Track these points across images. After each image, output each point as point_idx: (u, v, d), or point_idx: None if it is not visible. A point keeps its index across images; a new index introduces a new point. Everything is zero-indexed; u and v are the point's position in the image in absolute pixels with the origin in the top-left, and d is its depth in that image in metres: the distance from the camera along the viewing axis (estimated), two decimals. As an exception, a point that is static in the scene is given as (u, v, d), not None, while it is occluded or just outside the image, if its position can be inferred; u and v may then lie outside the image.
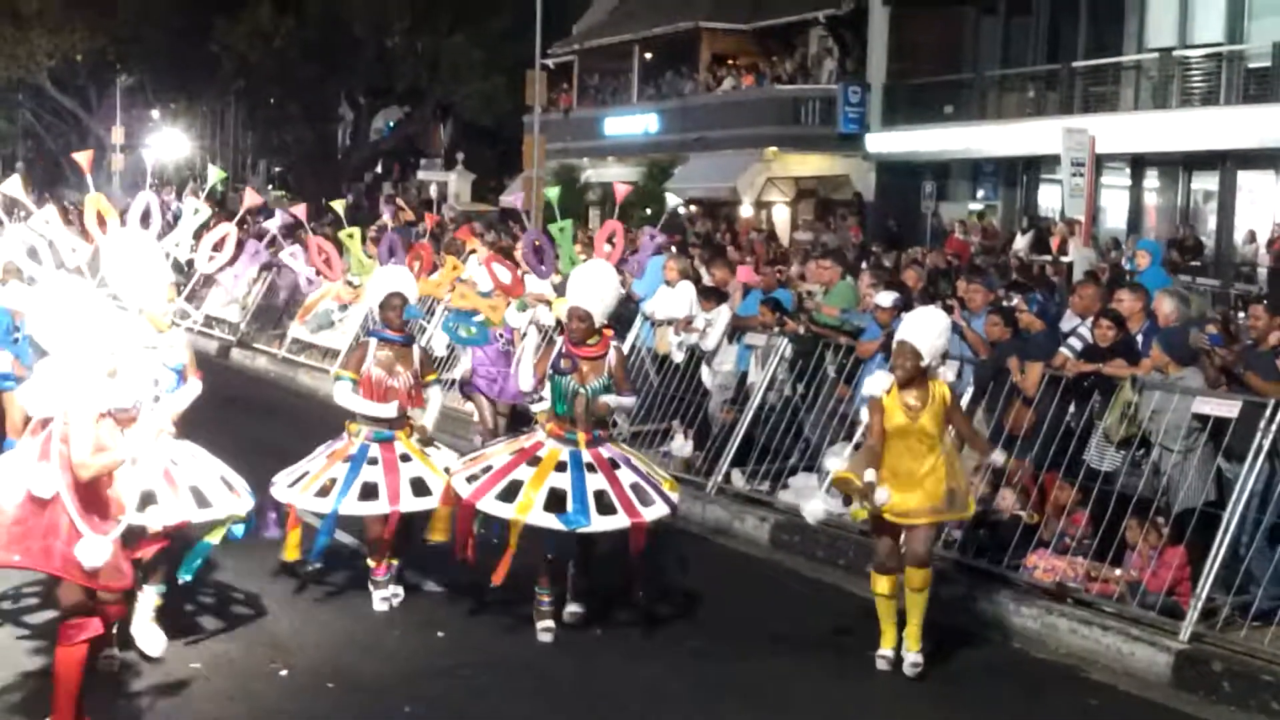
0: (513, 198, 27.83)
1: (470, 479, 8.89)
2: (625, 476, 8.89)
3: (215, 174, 11.88)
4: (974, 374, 11.24)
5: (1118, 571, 9.50)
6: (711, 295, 13.91)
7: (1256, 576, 9.06)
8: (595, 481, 8.74)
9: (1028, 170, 32.28)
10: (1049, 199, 30.82)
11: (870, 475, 8.38)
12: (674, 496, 9.09)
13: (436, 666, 8.30)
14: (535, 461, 8.86)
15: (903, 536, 8.61)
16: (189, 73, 46.25)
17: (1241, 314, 12.35)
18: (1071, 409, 10.38)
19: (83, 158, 8.94)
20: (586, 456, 8.85)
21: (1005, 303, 12.43)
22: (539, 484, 8.69)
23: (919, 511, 8.51)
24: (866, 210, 34.41)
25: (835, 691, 8.29)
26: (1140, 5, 29.60)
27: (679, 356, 13.71)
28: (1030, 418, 10.47)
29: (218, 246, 9.54)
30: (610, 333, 9.20)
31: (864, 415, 8.87)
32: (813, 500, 9.22)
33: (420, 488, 9.23)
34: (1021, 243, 27.05)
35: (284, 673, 7.94)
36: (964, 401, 11.01)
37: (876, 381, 8.65)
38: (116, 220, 8.33)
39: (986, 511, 10.36)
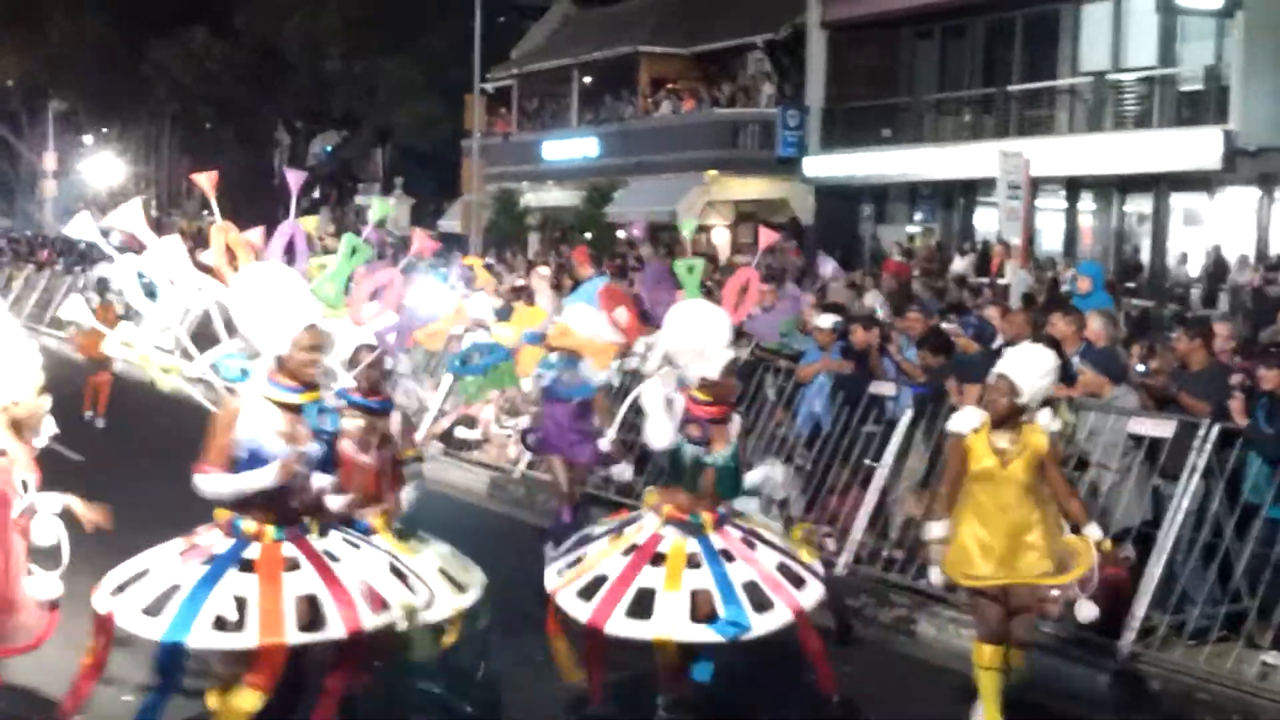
0: (451, 222, 27.68)
1: (584, 594, 7.18)
2: (767, 557, 7.34)
3: (379, 206, 10.05)
4: (913, 396, 11.27)
5: (1056, 591, 9.51)
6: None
7: (1192, 596, 9.12)
8: (739, 572, 7.16)
9: (965, 193, 32.46)
10: (986, 222, 31.00)
11: (935, 529, 7.75)
12: (819, 567, 7.57)
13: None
14: (659, 560, 7.20)
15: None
16: (122, 97, 45.94)
17: (1171, 335, 12.45)
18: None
19: (205, 179, 7.49)
20: (719, 542, 7.28)
21: (945, 323, 12.49)
22: (675, 587, 7.05)
23: (1017, 581, 7.59)
24: (805, 234, 34.53)
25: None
26: (1074, 29, 29.87)
27: (617, 381, 13.66)
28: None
29: (377, 294, 7.58)
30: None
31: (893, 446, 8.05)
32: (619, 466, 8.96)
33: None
34: (960, 265, 27.19)
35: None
36: (902, 424, 11.05)
37: (965, 417, 7.73)
38: (248, 253, 6.84)
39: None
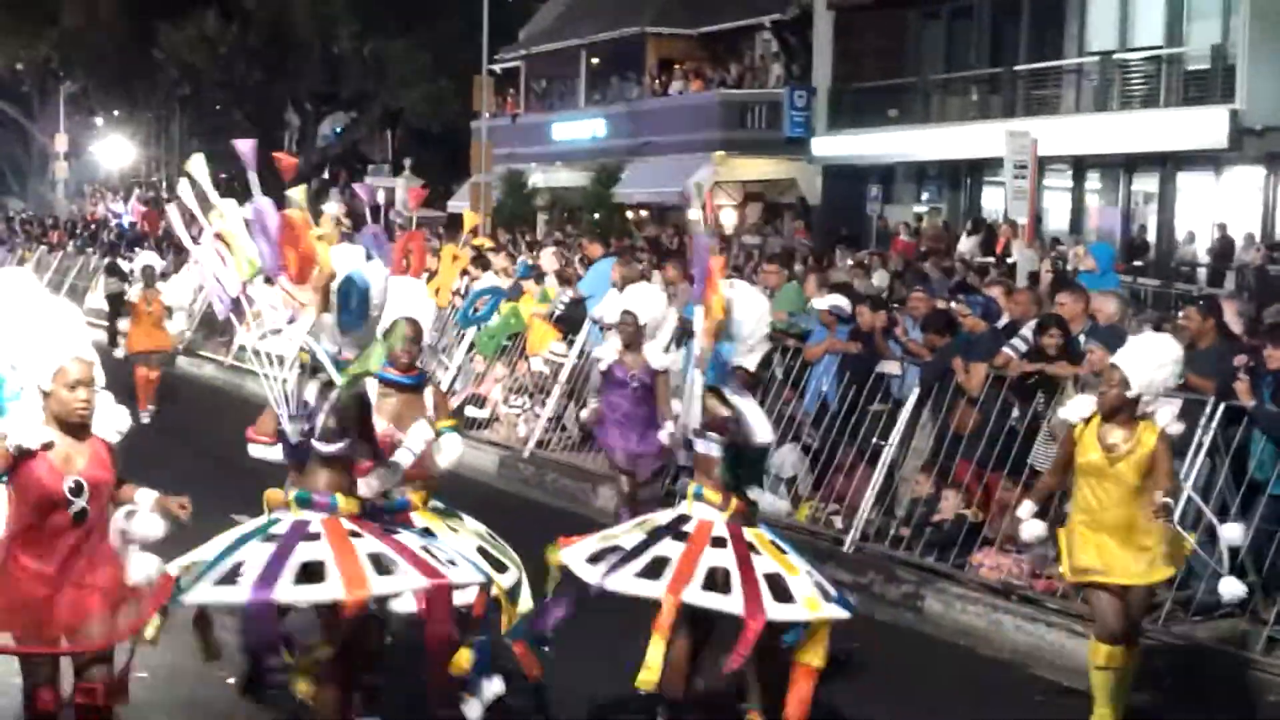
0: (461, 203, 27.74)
1: (643, 575, 6.65)
2: (765, 563, 6.81)
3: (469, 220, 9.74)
4: (919, 375, 11.36)
5: (1062, 568, 9.61)
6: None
7: (1197, 571, 9.20)
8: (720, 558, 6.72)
9: (971, 173, 32.50)
10: (993, 201, 31.05)
11: (1026, 510, 7.48)
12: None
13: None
14: (720, 543, 6.76)
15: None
16: (133, 80, 46.01)
17: (1179, 314, 12.52)
18: (1015, 409, 10.51)
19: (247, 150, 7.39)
20: (722, 530, 6.86)
21: (953, 303, 12.57)
22: (794, 570, 6.70)
23: (1125, 572, 7.31)
24: (811, 214, 34.58)
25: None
26: (1080, 8, 29.86)
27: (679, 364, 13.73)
28: (975, 418, 10.59)
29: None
30: None
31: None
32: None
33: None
34: (967, 245, 27.24)
35: (231, 680, 7.78)
36: (909, 403, 11.14)
37: (1075, 405, 7.45)
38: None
39: (931, 510, 10.49)
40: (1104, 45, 29.11)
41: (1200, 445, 9.25)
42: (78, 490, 5.75)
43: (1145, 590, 7.42)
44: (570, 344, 14.75)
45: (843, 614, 6.65)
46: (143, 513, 5.93)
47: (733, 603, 6.42)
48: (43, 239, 35.28)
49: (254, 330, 6.24)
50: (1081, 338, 10.74)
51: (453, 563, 6.30)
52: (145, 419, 15.70)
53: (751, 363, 7.03)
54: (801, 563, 6.80)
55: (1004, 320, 11.73)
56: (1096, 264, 15.22)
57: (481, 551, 7.20)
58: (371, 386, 6.99)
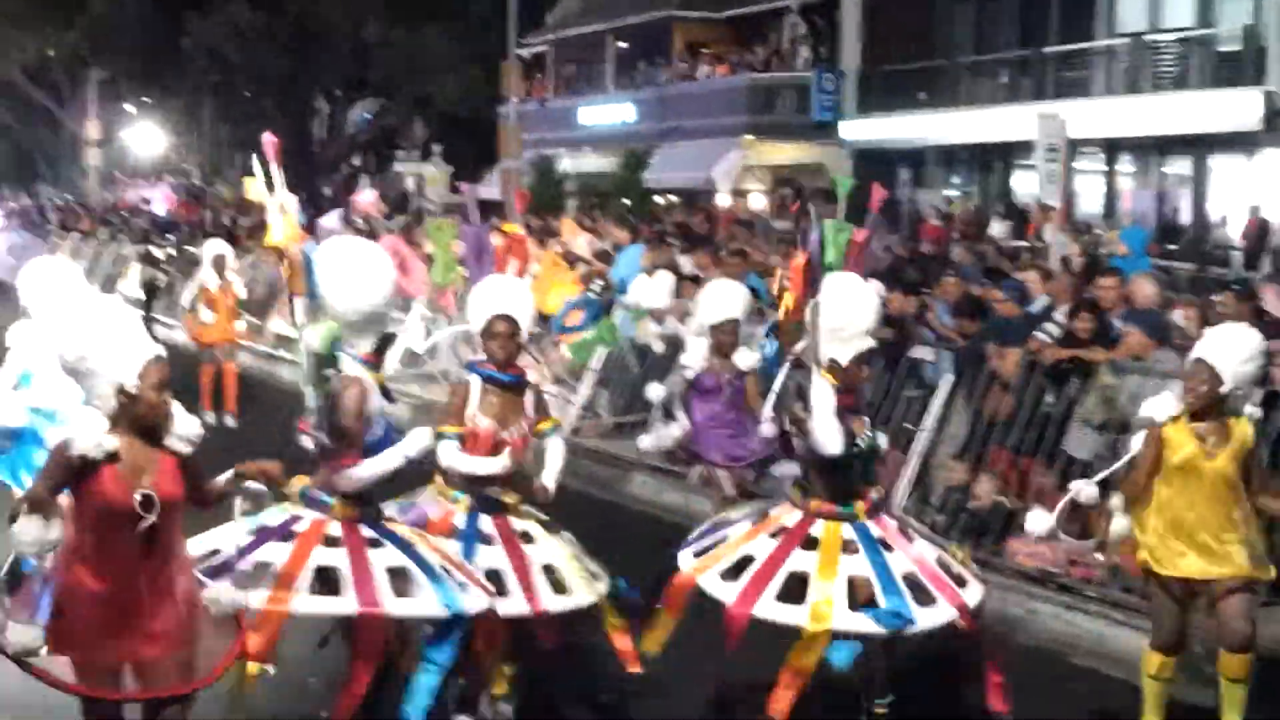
0: (491, 189, 27.76)
1: (729, 575, 6.77)
2: (925, 550, 6.90)
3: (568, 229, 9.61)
4: (953, 360, 11.33)
5: (1099, 556, 9.58)
6: (691, 283, 13.96)
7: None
8: (898, 562, 6.69)
9: (1002, 156, 32.37)
10: (1024, 185, 30.91)
11: (1116, 503, 7.12)
12: (976, 571, 7.09)
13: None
14: (811, 544, 6.76)
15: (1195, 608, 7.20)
16: (162, 68, 46.04)
17: (1215, 298, 12.46)
18: (1050, 395, 10.48)
19: (269, 144, 7.01)
20: (875, 530, 6.81)
21: (982, 287, 12.54)
22: (831, 573, 6.59)
23: (1223, 574, 6.94)
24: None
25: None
26: (1111, -10, 29.73)
27: (659, 346, 13.74)
28: (1009, 403, 10.57)
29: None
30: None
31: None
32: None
33: (557, 582, 6.95)
34: (998, 229, 27.13)
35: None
36: (943, 389, 11.11)
37: (1160, 403, 7.07)
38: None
39: (966, 497, 10.46)
40: (1135, 27, 28.95)
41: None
42: (148, 504, 5.25)
43: (1237, 587, 6.95)
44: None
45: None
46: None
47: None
48: (75, 226, 35.40)
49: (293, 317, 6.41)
50: (1117, 322, 10.71)
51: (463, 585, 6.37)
52: (231, 423, 15.56)
53: (844, 355, 6.88)
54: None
55: (1040, 305, 11.70)
56: (1129, 249, 15.17)
57: (575, 559, 7.17)
58: (475, 384, 7.15)
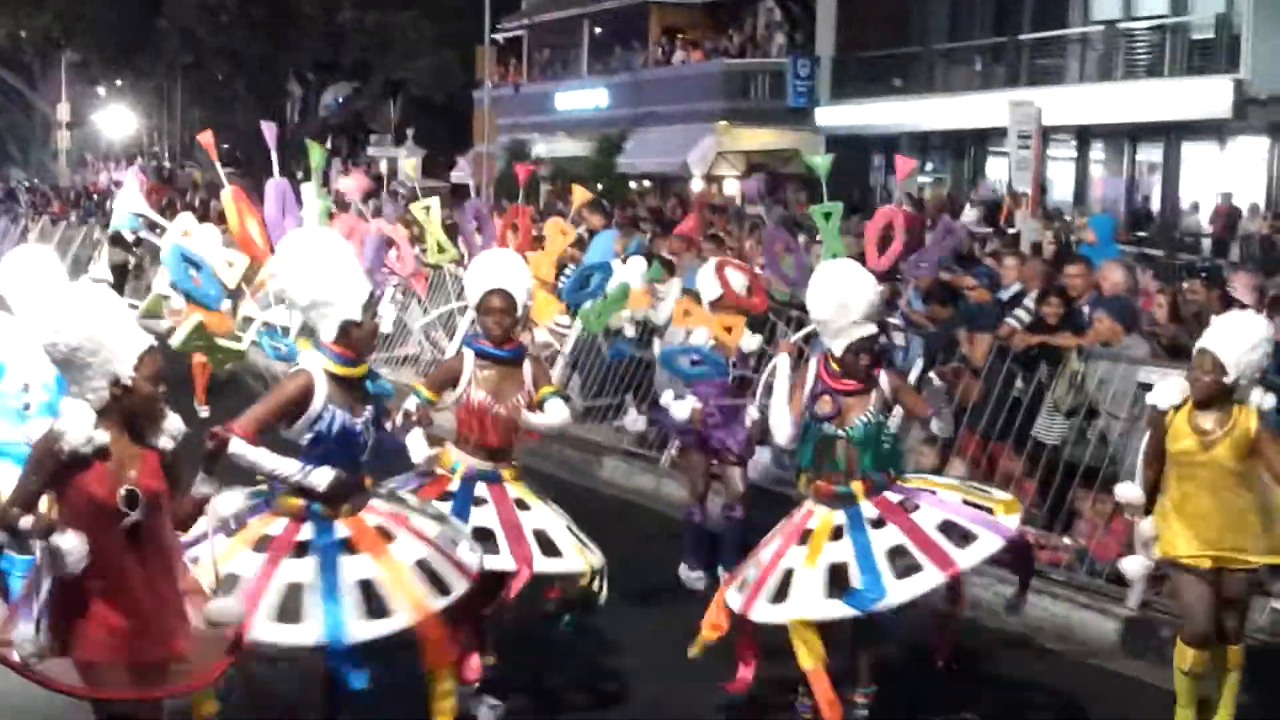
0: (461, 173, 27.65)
1: (741, 586, 6.82)
2: (929, 516, 6.73)
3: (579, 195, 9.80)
4: (923, 346, 11.35)
5: (1066, 540, 9.63)
6: (663, 268, 13.94)
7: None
8: (886, 537, 6.63)
9: (975, 143, 32.46)
10: (997, 171, 31.01)
11: (1148, 527, 6.96)
12: (1009, 521, 6.81)
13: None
14: (806, 537, 6.77)
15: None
16: (135, 49, 45.84)
17: (1184, 285, 12.51)
18: (1019, 380, 10.51)
19: (207, 138, 7.56)
20: (871, 511, 6.74)
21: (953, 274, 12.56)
22: (813, 563, 6.62)
23: (1218, 555, 6.86)
24: (815, 184, 34.55)
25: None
26: (1085, -22, 29.81)
27: (630, 331, 13.72)
28: (979, 389, 10.59)
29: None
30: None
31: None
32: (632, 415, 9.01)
33: (548, 544, 6.92)
34: (970, 215, 27.22)
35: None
36: (912, 375, 11.14)
37: (1166, 389, 6.99)
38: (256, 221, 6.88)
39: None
40: (1108, 14, 29.04)
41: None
42: (131, 501, 5.02)
43: (1245, 575, 6.93)
44: (574, 315, 14.69)
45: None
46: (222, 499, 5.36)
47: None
48: (46, 209, 35.23)
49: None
50: (1086, 308, 10.75)
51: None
52: (204, 413, 14.28)
53: (838, 347, 6.77)
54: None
55: (1010, 291, 11.73)
56: (1096, 236, 15.22)
57: (570, 530, 7.13)
58: (469, 358, 7.11)
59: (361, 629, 5.78)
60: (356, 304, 5.92)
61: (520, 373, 7.15)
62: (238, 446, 5.78)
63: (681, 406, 9.13)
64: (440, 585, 6.00)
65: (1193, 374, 6.88)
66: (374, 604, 5.84)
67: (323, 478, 5.92)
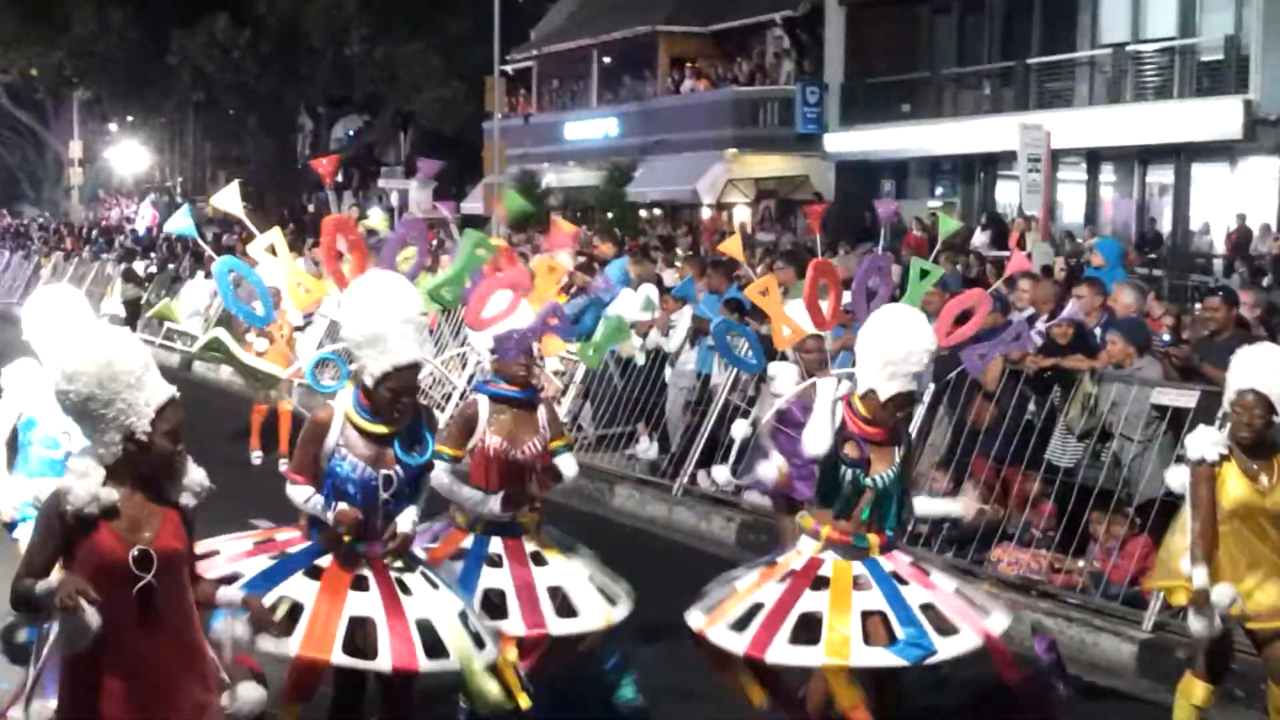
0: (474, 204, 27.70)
1: (738, 626, 6.43)
2: (944, 582, 6.60)
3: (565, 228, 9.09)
4: (935, 370, 11.32)
5: (1081, 563, 9.60)
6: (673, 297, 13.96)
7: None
8: (914, 594, 6.37)
9: (985, 167, 32.46)
10: (1007, 195, 31.01)
11: (1201, 576, 6.46)
12: (1003, 603, 6.81)
13: None
14: (821, 584, 6.42)
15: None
16: (146, 86, 46.06)
17: (1198, 305, 12.49)
18: (1031, 403, 10.49)
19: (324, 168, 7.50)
20: (887, 565, 6.48)
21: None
22: (844, 609, 6.27)
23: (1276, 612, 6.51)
24: (827, 210, 34.56)
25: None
26: (1093, 1, 29.83)
27: (641, 359, 13.75)
28: (992, 412, 10.57)
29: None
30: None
31: (1173, 481, 6.85)
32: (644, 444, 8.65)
33: (564, 604, 6.76)
34: (981, 239, 27.21)
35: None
36: (925, 399, 11.12)
37: (1205, 443, 6.59)
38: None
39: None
40: (1117, 37, 29.07)
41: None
42: (144, 562, 4.67)
43: None
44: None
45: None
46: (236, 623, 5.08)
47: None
48: (59, 245, 35.39)
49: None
50: (1097, 330, 10.73)
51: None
52: (257, 459, 14.56)
53: (883, 393, 6.40)
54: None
55: (1024, 315, 11.72)
56: (1105, 260, 15.20)
57: (592, 581, 6.99)
58: (484, 403, 6.94)
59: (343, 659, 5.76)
60: (395, 359, 5.75)
61: (535, 416, 7.00)
62: (292, 492, 5.91)
63: (769, 468, 8.24)
64: (367, 650, 5.80)
65: (1243, 417, 6.50)
66: (360, 640, 5.79)
67: (340, 515, 5.86)
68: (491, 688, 5.98)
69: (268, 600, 5.56)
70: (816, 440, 6.43)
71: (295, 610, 5.79)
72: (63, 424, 6.63)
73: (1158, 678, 8.52)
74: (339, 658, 5.74)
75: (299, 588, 5.87)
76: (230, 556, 6.03)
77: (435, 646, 5.86)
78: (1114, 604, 9.13)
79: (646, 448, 13.52)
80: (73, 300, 7.23)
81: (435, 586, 6.08)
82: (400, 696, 5.99)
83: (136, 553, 4.66)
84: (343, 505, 5.85)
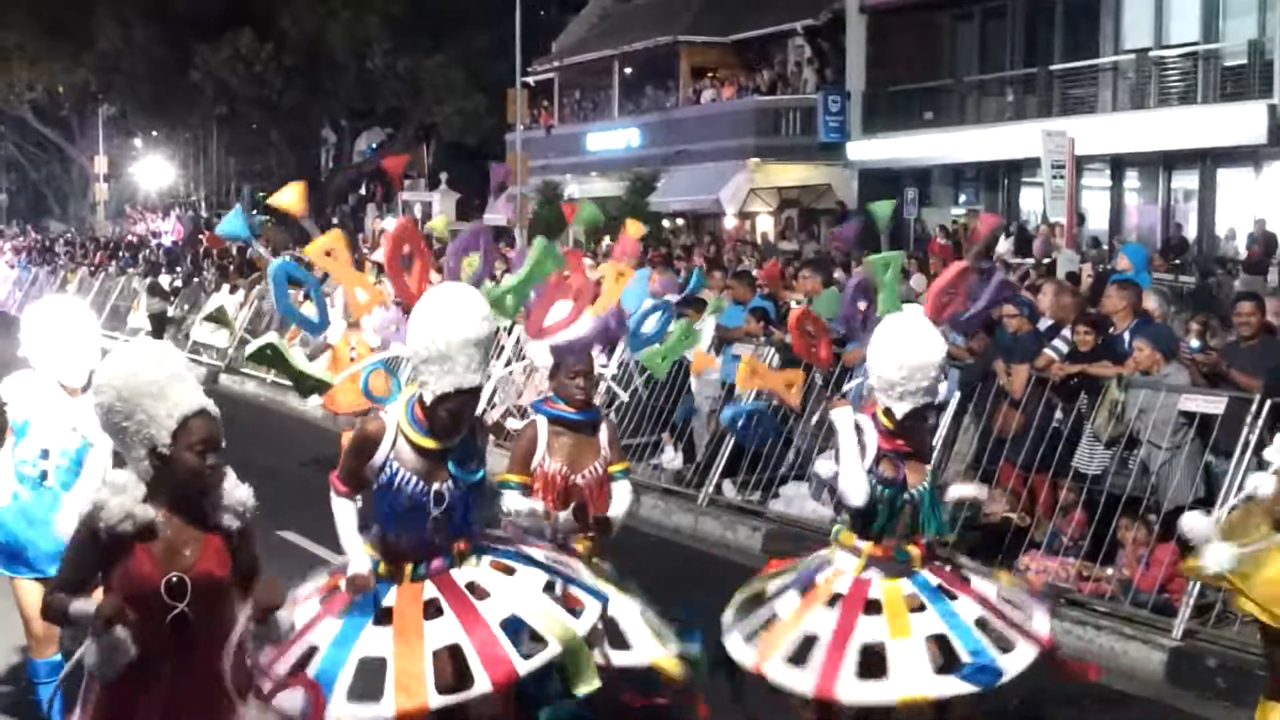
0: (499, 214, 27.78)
1: (795, 660, 6.14)
2: (986, 588, 6.40)
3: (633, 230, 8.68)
4: (960, 377, 11.30)
5: (1109, 571, 9.55)
6: (697, 306, 13.94)
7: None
8: (966, 609, 6.19)
9: (1009, 174, 32.40)
10: (1030, 202, 30.94)
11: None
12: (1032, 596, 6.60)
13: None
14: (873, 608, 6.18)
15: None
16: (171, 101, 46.30)
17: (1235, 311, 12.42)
18: (1058, 410, 10.45)
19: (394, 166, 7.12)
20: (933, 578, 6.30)
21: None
22: (905, 634, 6.07)
23: None
24: (849, 218, 34.57)
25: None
26: (1116, 7, 29.75)
27: (663, 369, 13.70)
28: (1018, 420, 10.54)
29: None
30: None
31: (1251, 485, 6.78)
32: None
33: (617, 636, 6.35)
34: (1005, 246, 27.15)
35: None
36: (950, 407, 11.09)
37: (1218, 557, 6.49)
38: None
39: (976, 514, 10.42)
40: (1140, 43, 29.00)
41: (1248, 444, 9.15)
42: (178, 590, 4.40)
43: None
44: (609, 355, 14.70)
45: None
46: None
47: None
48: (85, 260, 35.56)
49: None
50: (1126, 335, 10.69)
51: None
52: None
53: (900, 409, 6.27)
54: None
55: (1049, 321, 11.68)
56: (1130, 264, 15.14)
57: (643, 618, 6.57)
58: (543, 425, 6.74)
59: (342, 708, 5.39)
60: (458, 382, 5.54)
61: (597, 439, 6.80)
62: (334, 504, 5.69)
63: (826, 465, 8.55)
64: (463, 677, 5.51)
65: (1272, 507, 6.44)
66: (369, 685, 5.49)
67: (357, 566, 5.64)
68: (593, 666, 5.75)
69: (348, 668, 5.41)
70: (855, 489, 6.20)
71: (379, 666, 5.52)
72: (49, 439, 6.59)
73: (1188, 686, 8.49)
74: (436, 700, 5.44)
75: (374, 642, 5.59)
76: (302, 628, 5.60)
77: (533, 636, 5.61)
78: (1143, 612, 9.08)
79: (671, 457, 13.50)
80: (74, 310, 7.00)
81: (510, 572, 5.82)
82: (505, 707, 5.76)
83: (173, 579, 4.39)
84: (359, 570, 5.62)
